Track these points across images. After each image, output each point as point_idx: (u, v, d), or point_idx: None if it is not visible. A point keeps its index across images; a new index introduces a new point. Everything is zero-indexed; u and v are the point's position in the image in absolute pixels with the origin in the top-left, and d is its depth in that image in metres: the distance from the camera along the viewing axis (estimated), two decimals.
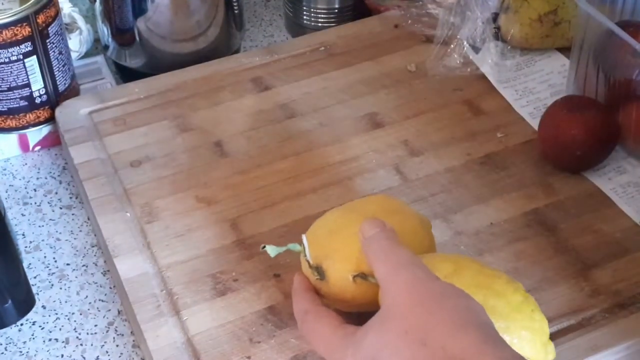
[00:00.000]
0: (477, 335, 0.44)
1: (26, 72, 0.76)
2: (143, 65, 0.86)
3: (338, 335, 0.50)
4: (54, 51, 0.77)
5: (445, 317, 0.45)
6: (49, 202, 0.76)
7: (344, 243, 0.55)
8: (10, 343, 0.65)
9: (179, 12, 0.83)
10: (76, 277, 0.70)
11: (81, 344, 0.65)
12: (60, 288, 0.69)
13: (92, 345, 0.65)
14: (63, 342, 0.65)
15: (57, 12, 0.77)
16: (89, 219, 0.74)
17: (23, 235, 0.73)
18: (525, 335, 0.52)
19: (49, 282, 0.69)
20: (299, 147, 0.75)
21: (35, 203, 0.76)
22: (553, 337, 0.60)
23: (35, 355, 0.64)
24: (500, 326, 0.47)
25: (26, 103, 0.78)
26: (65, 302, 0.68)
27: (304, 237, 0.57)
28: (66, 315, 0.67)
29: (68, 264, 0.71)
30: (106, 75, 0.87)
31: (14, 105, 0.77)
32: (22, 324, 0.66)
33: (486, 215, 0.69)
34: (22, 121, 0.79)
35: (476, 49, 0.83)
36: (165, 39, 0.85)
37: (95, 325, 0.66)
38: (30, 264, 0.71)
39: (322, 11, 0.92)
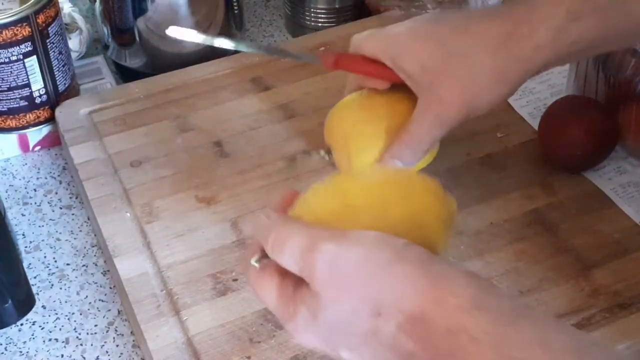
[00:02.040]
0: (426, 283, 0.42)
1: (26, 72, 0.76)
2: (143, 65, 0.86)
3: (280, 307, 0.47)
4: (54, 51, 0.77)
5: (384, 279, 0.43)
6: (49, 202, 0.76)
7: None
8: (10, 343, 0.65)
9: (179, 12, 0.83)
10: (76, 277, 0.70)
11: (81, 344, 0.65)
12: (60, 288, 0.69)
13: (92, 345, 0.65)
14: (63, 342, 0.65)
15: (57, 12, 0.77)
16: (89, 219, 0.74)
17: (23, 235, 0.73)
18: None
19: (49, 282, 0.69)
20: (299, 147, 0.75)
21: (35, 203, 0.76)
22: None
23: (35, 355, 0.64)
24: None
25: (26, 103, 0.78)
26: (65, 302, 0.68)
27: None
28: (66, 315, 0.67)
29: (68, 264, 0.71)
30: (106, 75, 0.87)
31: (14, 105, 0.77)
32: (22, 324, 0.66)
33: (486, 215, 0.69)
34: (22, 121, 0.79)
35: None
36: (165, 39, 0.84)
37: (95, 325, 0.66)
38: (30, 264, 0.71)
39: (322, 11, 0.92)
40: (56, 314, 0.67)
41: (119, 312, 0.67)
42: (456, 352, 0.41)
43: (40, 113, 0.79)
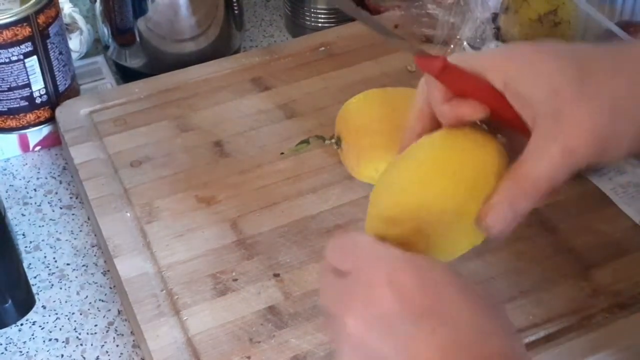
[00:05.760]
0: None
1: (26, 72, 0.76)
2: (143, 65, 0.86)
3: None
4: (54, 51, 0.77)
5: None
6: (49, 202, 0.76)
7: None
8: (10, 343, 0.65)
9: (179, 12, 0.83)
10: (76, 277, 0.70)
11: (81, 344, 0.65)
12: (60, 288, 0.69)
13: (92, 345, 0.65)
14: (63, 342, 0.65)
15: (58, 13, 0.77)
16: (89, 219, 0.74)
17: (23, 235, 0.73)
18: None
19: (49, 282, 0.69)
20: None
21: (36, 203, 0.76)
22: (553, 337, 0.60)
23: (35, 355, 0.64)
24: None
25: (26, 103, 0.78)
26: (65, 302, 0.68)
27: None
28: (66, 315, 0.67)
29: (68, 264, 0.71)
30: (106, 76, 0.87)
31: (15, 106, 0.77)
32: (22, 324, 0.66)
33: None
34: (23, 121, 0.79)
35: (476, 49, 0.83)
36: (165, 39, 0.85)
37: (95, 325, 0.66)
38: (30, 264, 0.71)
39: (322, 11, 0.92)
40: (56, 314, 0.67)
41: (119, 312, 0.67)
42: None
43: (40, 113, 0.79)
